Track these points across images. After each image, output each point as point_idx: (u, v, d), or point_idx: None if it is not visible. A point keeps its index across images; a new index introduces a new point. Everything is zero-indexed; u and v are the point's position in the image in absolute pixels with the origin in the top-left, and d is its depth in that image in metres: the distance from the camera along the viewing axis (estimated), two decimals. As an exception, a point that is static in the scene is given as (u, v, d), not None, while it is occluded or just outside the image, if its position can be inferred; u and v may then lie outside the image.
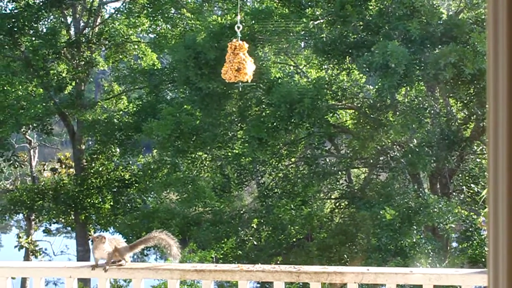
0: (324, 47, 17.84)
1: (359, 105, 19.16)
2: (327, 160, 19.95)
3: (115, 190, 23.58)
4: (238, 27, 5.53)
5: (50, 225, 25.17)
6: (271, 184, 20.39)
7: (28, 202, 22.93)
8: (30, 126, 22.66)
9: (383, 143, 18.45)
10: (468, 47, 16.44)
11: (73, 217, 23.75)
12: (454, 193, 19.24)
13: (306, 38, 19.13)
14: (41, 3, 22.46)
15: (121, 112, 24.29)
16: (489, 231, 1.50)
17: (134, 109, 22.98)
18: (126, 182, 23.60)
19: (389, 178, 18.27)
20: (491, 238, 1.50)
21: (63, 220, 24.25)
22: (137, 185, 23.19)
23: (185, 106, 19.31)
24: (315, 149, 19.51)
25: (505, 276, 1.47)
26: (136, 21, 23.97)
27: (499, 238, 1.47)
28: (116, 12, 24.46)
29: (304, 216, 17.70)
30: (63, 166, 25.33)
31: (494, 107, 1.47)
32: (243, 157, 19.49)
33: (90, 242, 5.50)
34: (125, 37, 24.29)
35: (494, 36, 1.48)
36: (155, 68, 23.55)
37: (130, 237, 20.04)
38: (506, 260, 1.46)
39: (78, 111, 22.95)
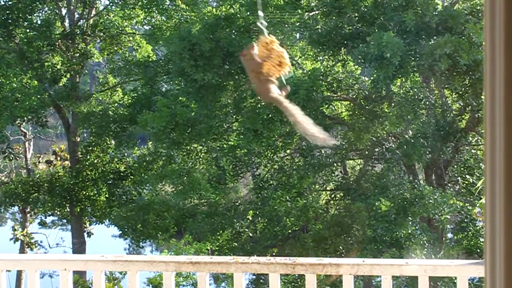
0: (319, 39, 17.81)
1: (354, 96, 19.14)
2: (323, 152, 19.94)
3: (110, 182, 23.56)
4: (261, 23, 5.25)
5: (46, 218, 25.15)
6: (266, 175, 20.39)
7: (23, 195, 22.90)
8: (25, 118, 22.60)
9: (378, 135, 18.44)
10: (463, 38, 16.43)
11: (69, 210, 23.73)
12: (449, 184, 19.25)
13: (301, 29, 19.08)
14: (35, -5, 22.38)
15: (116, 104, 24.25)
16: (486, 221, 1.49)
17: (129, 101, 22.94)
18: (121, 174, 23.58)
19: (384, 170, 18.28)
20: (487, 229, 1.49)
21: (58, 213, 24.22)
22: (132, 177, 23.17)
23: (180, 98, 19.27)
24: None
25: (502, 267, 1.46)
26: (131, 12, 23.91)
27: (495, 229, 1.46)
28: (111, 4, 24.38)
29: (299, 208, 17.70)
30: (58, 158, 25.29)
31: (491, 98, 1.46)
32: (239, 149, 19.47)
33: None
34: (120, 29, 24.23)
35: (491, 26, 1.46)
36: (150, 60, 23.50)
37: (125, 229, 20.07)
38: (503, 251, 1.45)
39: (73, 103, 22.90)
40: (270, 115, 17.45)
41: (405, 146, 17.17)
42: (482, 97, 17.89)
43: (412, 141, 17.10)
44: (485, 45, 1.49)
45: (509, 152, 1.43)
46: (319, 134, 4.91)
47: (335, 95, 19.33)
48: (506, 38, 1.44)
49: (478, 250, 17.17)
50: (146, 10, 23.34)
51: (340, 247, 17.10)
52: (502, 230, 1.45)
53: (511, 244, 1.45)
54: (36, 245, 23.62)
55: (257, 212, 18.83)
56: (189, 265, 5.20)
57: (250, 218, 19.13)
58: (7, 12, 22.05)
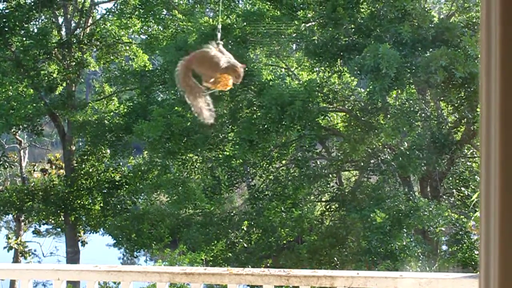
0: (316, 50, 17.83)
1: (350, 107, 19.16)
2: (318, 163, 19.94)
3: (105, 191, 23.50)
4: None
5: (40, 226, 25.07)
6: (261, 186, 20.37)
7: (18, 203, 22.83)
8: (21, 126, 22.55)
9: (374, 146, 18.45)
10: (459, 50, 16.47)
11: (63, 218, 23.66)
12: (444, 196, 19.26)
13: (298, 40, 19.12)
14: (32, 3, 22.39)
15: (111, 113, 24.21)
16: (481, 235, 1.49)
17: (125, 110, 22.90)
18: (117, 183, 23.53)
19: (380, 181, 18.28)
20: (482, 242, 1.48)
21: (52, 221, 24.15)
22: (127, 186, 23.12)
23: (176, 108, 19.26)
24: (306, 151, 19.50)
25: (497, 281, 1.45)
26: (128, 22, 23.90)
27: (490, 242, 1.45)
28: (108, 13, 24.40)
29: (294, 219, 17.68)
30: (53, 167, 25.25)
31: (487, 110, 1.45)
32: (234, 159, 19.46)
33: None
34: (117, 38, 24.23)
35: (486, 39, 1.46)
36: (146, 69, 23.49)
37: (120, 239, 20.01)
38: (498, 265, 1.44)
39: (68, 112, 22.87)
40: (265, 126, 17.46)
41: (400, 158, 17.17)
42: (478, 109, 17.91)
43: (408, 153, 17.11)
44: (481, 57, 1.49)
45: (505, 166, 1.43)
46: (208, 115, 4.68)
47: (331, 106, 19.35)
48: (502, 51, 1.44)
49: (473, 263, 17.15)
50: (142, 19, 23.34)
51: (335, 258, 17.07)
52: (497, 243, 1.44)
53: (506, 258, 1.44)
54: (30, 253, 23.55)
55: (252, 223, 18.80)
56: (183, 276, 5.18)
57: (245, 229, 19.10)
58: (4, 20, 22.04)
